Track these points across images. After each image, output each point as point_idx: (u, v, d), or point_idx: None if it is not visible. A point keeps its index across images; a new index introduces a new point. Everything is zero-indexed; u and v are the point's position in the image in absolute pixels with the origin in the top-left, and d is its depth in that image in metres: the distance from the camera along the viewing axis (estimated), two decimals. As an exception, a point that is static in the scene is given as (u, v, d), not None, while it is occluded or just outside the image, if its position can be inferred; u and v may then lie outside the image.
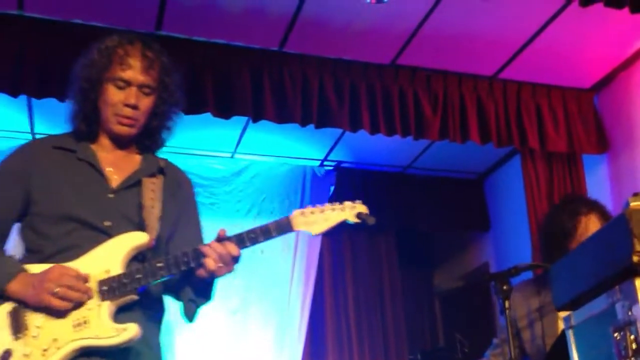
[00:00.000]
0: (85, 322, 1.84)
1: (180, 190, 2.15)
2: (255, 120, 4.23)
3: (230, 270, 1.94)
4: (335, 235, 5.80)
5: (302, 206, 5.78)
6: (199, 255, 1.92)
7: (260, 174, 5.49)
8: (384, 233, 5.97)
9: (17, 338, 1.83)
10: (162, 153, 5.38)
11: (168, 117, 2.13)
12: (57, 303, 1.82)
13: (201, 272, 1.94)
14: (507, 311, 2.35)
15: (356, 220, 1.98)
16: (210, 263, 1.90)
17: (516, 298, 2.70)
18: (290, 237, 5.48)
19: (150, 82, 2.04)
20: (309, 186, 5.59)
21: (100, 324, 1.84)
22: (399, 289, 5.92)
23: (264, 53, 4.28)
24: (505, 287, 2.37)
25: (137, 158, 2.12)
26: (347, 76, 4.39)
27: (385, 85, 4.46)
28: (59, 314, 1.84)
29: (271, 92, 4.19)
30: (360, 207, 2.00)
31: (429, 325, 6.37)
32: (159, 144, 2.17)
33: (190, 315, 2.05)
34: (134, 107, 2.02)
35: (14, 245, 2.02)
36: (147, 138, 2.13)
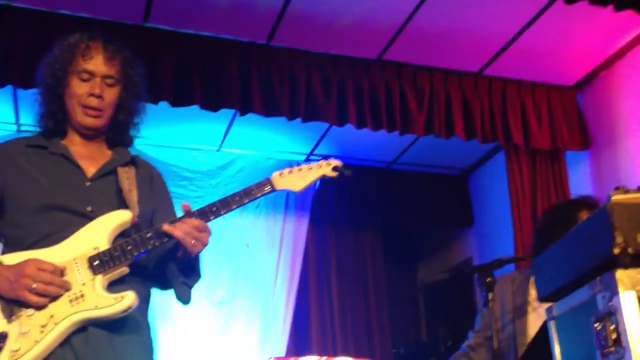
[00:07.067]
0: (81, 296, 1.86)
1: (153, 183, 2.19)
2: (242, 113, 4.24)
3: (205, 244, 1.96)
4: (321, 230, 5.81)
5: (286, 201, 5.77)
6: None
7: (246, 167, 5.49)
8: (369, 228, 6.00)
9: (10, 321, 1.83)
10: (150, 146, 5.37)
11: (134, 111, 2.17)
12: (35, 299, 1.82)
13: (180, 253, 1.97)
14: (490, 303, 2.39)
15: (333, 174, 2.13)
16: (185, 239, 1.93)
17: (504, 290, 2.71)
18: (275, 232, 5.50)
19: (113, 73, 2.09)
20: (295, 180, 5.58)
21: (96, 296, 1.86)
22: (383, 283, 5.95)
23: (251, 46, 4.28)
24: (488, 280, 2.41)
25: (108, 152, 2.16)
26: (334, 71, 4.41)
27: (371, 80, 4.49)
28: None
29: (259, 85, 4.20)
30: (335, 162, 2.14)
31: (412, 319, 6.42)
32: (128, 140, 2.20)
33: (185, 297, 2.06)
34: (99, 97, 2.06)
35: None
36: (116, 133, 2.16)
